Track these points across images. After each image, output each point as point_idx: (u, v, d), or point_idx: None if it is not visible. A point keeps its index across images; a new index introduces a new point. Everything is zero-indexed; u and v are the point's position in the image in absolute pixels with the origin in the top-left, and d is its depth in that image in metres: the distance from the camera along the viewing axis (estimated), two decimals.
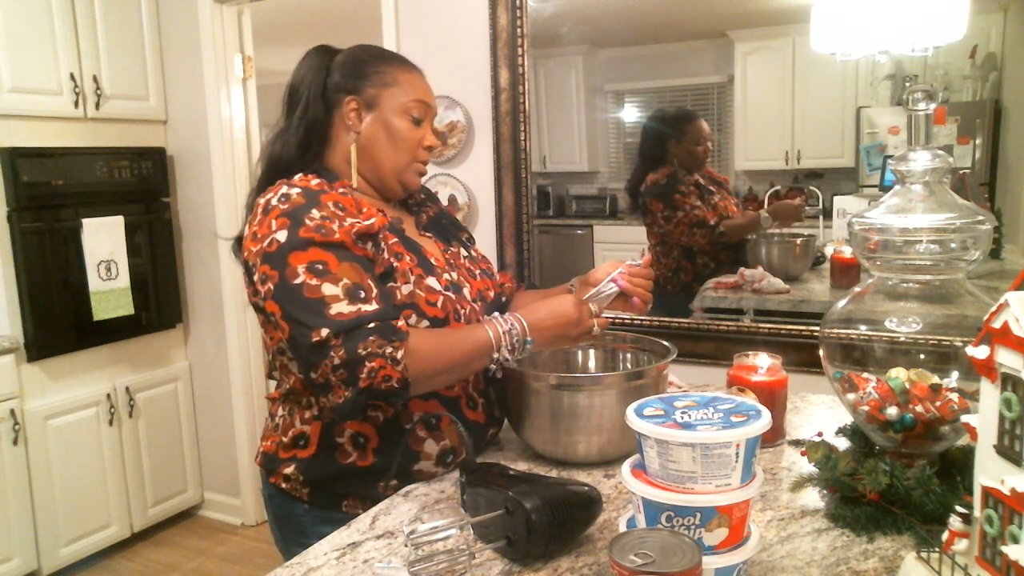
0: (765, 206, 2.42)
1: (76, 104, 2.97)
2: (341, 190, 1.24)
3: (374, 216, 1.21)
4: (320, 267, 1.12)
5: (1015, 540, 0.68)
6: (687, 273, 2.51)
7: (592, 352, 1.48)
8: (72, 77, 2.95)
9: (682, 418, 0.83)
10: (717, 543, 0.81)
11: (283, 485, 1.27)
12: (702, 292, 2.48)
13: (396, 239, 1.25)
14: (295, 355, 1.15)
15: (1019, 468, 0.69)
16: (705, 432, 0.79)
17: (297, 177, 1.23)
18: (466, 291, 1.30)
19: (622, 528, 0.91)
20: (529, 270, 2.66)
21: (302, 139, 1.28)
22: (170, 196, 3.36)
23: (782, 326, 2.26)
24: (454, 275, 1.30)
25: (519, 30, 2.53)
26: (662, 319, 2.46)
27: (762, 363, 1.30)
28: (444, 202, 2.80)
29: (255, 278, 1.16)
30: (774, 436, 1.30)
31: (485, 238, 2.72)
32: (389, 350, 1.08)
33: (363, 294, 1.12)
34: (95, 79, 3.03)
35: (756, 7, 2.39)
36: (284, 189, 1.19)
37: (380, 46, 1.38)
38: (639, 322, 2.48)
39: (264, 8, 3.28)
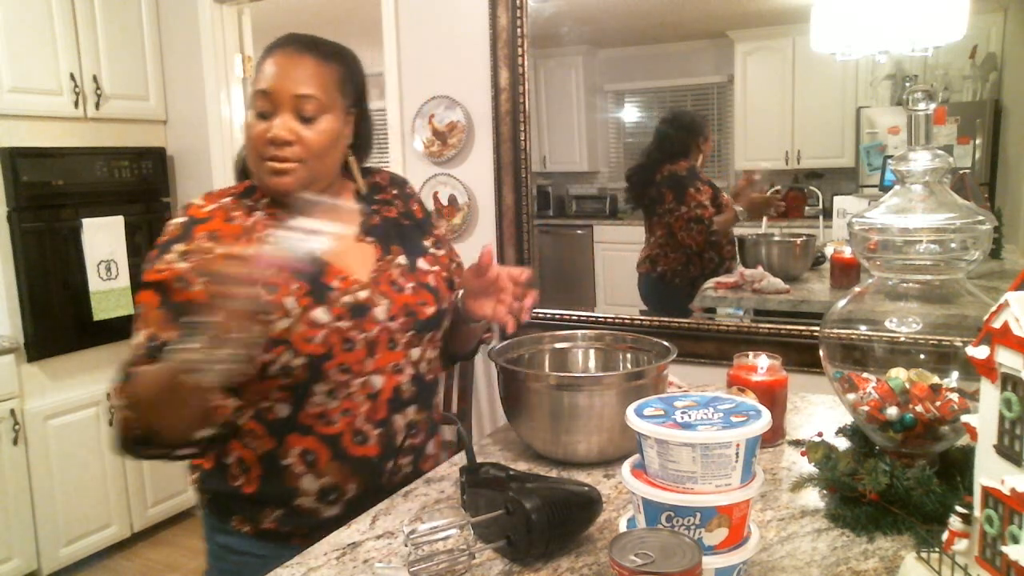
0: (737, 203, 2.49)
1: (76, 104, 2.97)
2: (234, 214, 1.19)
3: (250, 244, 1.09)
4: (141, 311, 1.11)
5: (1015, 540, 0.68)
6: (695, 267, 2.53)
7: (592, 352, 1.48)
8: (72, 77, 2.95)
9: (682, 418, 0.83)
10: (717, 543, 0.81)
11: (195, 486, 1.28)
12: (702, 292, 2.48)
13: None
14: None
15: (1019, 468, 0.69)
16: (705, 432, 0.79)
17: (216, 189, 1.23)
18: (379, 310, 1.18)
19: (622, 528, 0.91)
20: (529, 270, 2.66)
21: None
22: (170, 196, 3.36)
23: (782, 326, 2.26)
24: (363, 294, 1.18)
25: (519, 30, 2.53)
26: (662, 319, 2.47)
27: (762, 363, 1.30)
28: (444, 202, 2.82)
29: None
30: (774, 436, 1.30)
31: (485, 238, 2.72)
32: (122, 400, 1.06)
33: (158, 345, 1.06)
34: (95, 79, 3.03)
35: (756, 7, 2.39)
36: (177, 214, 1.19)
37: (290, 33, 1.22)
38: (639, 322, 2.49)
39: (264, 8, 3.28)
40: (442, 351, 1.34)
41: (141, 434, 1.05)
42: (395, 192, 1.36)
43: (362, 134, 1.29)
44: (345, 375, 1.15)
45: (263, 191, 1.22)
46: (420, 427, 1.26)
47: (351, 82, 1.23)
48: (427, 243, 1.33)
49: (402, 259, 1.26)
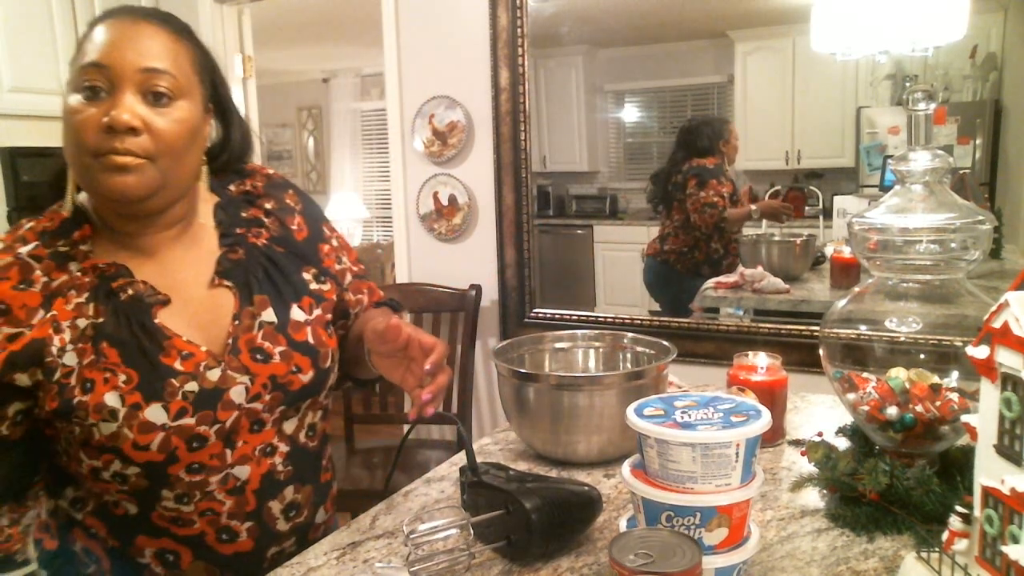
0: (755, 203, 2.52)
1: None
2: (35, 273, 0.91)
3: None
4: None
5: (1015, 540, 0.68)
6: (700, 253, 2.55)
7: (592, 352, 1.48)
8: None
9: (682, 418, 0.83)
10: (717, 543, 0.81)
11: None
12: (702, 292, 2.48)
13: (95, 355, 0.89)
14: None
15: (1019, 468, 0.69)
16: (705, 432, 0.79)
17: (22, 222, 0.97)
18: (236, 392, 0.95)
19: (622, 528, 0.91)
20: (529, 270, 2.66)
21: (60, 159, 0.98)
22: None
23: (782, 326, 2.26)
24: (213, 375, 0.94)
25: (519, 30, 2.53)
26: (662, 319, 2.47)
27: (762, 363, 1.30)
28: (444, 202, 2.82)
29: None
30: (774, 436, 1.29)
31: (485, 238, 2.73)
32: None
33: None
34: None
35: (756, 7, 2.39)
36: None
37: (121, 5, 0.96)
38: (639, 322, 2.49)
39: (264, 8, 3.28)
40: (344, 376, 1.16)
41: None
42: (270, 206, 1.08)
43: (229, 141, 1.04)
44: (198, 475, 0.94)
45: (97, 203, 0.94)
46: (303, 504, 1.06)
47: (208, 69, 0.97)
48: (307, 276, 1.06)
49: (268, 314, 1.00)
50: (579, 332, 1.49)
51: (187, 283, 0.98)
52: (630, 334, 1.45)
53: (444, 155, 2.75)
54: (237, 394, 0.96)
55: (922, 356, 1.08)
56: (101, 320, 0.91)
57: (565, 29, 2.61)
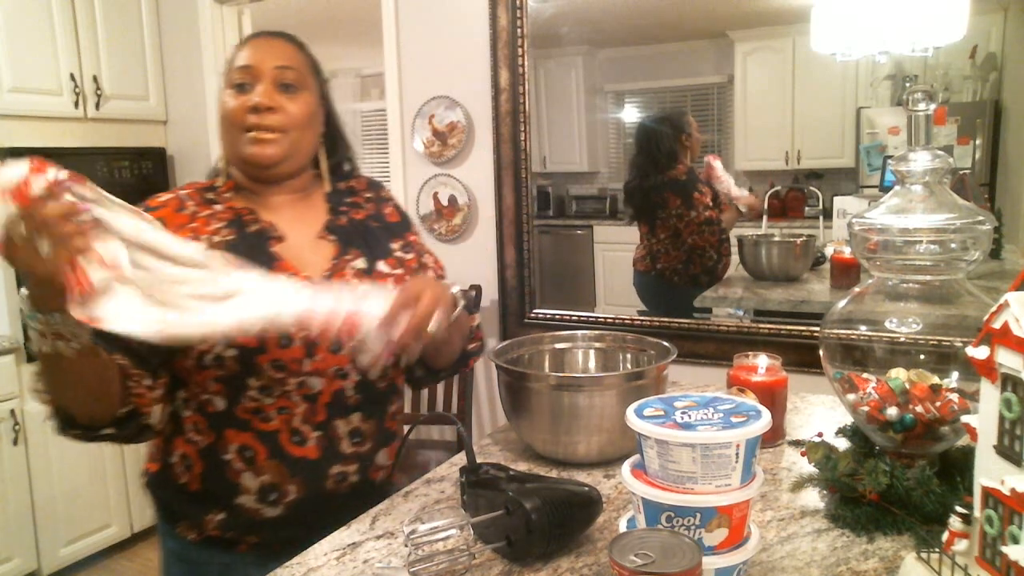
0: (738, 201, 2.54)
1: (76, 104, 2.97)
2: (187, 204, 1.17)
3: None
4: None
5: (1015, 540, 0.68)
6: (695, 265, 2.55)
7: (592, 352, 1.48)
8: (72, 77, 2.95)
9: (682, 418, 0.83)
10: (717, 543, 0.81)
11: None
12: (701, 294, 2.48)
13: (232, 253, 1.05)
14: None
15: (1019, 468, 0.69)
16: (705, 432, 0.79)
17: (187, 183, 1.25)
18: None
19: (622, 528, 0.91)
20: (529, 270, 2.66)
21: None
22: None
23: (782, 326, 2.26)
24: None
25: (519, 30, 2.53)
26: (662, 319, 2.47)
27: (762, 363, 1.30)
28: (444, 202, 2.82)
29: None
30: (774, 436, 1.30)
31: (485, 238, 2.73)
32: None
33: None
34: (95, 79, 3.03)
35: (756, 7, 2.39)
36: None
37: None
38: (639, 322, 2.49)
39: (264, 8, 3.28)
40: (415, 363, 1.27)
41: (57, 415, 1.04)
42: (369, 195, 1.33)
43: (331, 132, 1.28)
44: (280, 372, 1.11)
45: (241, 168, 1.20)
46: (367, 436, 1.20)
47: (318, 73, 1.25)
48: (394, 246, 1.27)
49: (360, 262, 1.21)
50: (579, 332, 1.49)
51: (300, 232, 1.20)
52: (630, 334, 1.45)
53: (444, 155, 2.75)
54: None
55: (922, 357, 1.08)
56: (231, 238, 1.15)
57: (565, 29, 2.61)
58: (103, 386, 1.03)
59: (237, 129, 1.15)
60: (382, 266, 1.22)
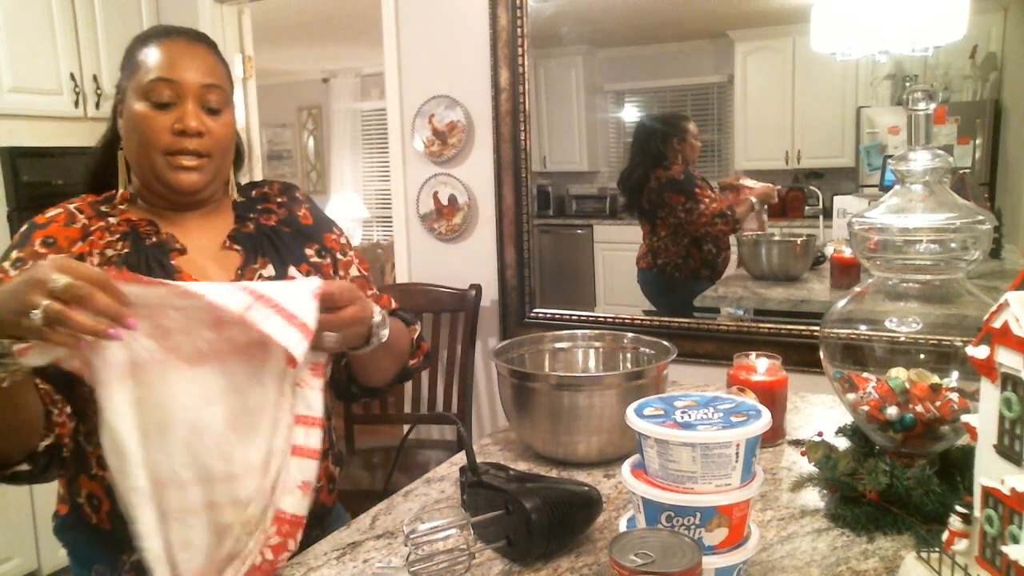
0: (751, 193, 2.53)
1: (76, 104, 2.97)
2: (78, 217, 1.09)
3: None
4: None
5: (1015, 540, 0.68)
6: (695, 260, 2.55)
7: (592, 352, 1.48)
8: (72, 77, 2.95)
9: (682, 418, 0.83)
10: (717, 543, 0.81)
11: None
12: (702, 293, 2.48)
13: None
14: None
15: (1019, 468, 0.69)
16: (705, 432, 0.79)
17: (73, 199, 1.14)
18: None
19: (622, 528, 0.91)
20: (529, 270, 2.66)
21: (97, 153, 1.20)
22: None
23: (782, 326, 2.26)
24: None
25: (519, 30, 2.53)
26: (662, 319, 2.47)
27: (762, 363, 1.30)
28: (444, 202, 2.82)
29: None
30: (774, 436, 1.30)
31: (485, 238, 2.72)
32: None
33: None
34: (95, 79, 3.03)
35: (756, 7, 2.39)
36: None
37: (163, 25, 1.15)
38: (639, 322, 2.49)
39: (264, 8, 3.28)
40: (343, 379, 1.23)
41: None
42: (281, 200, 1.26)
43: (237, 140, 1.22)
44: None
45: (157, 191, 1.12)
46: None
47: (231, 80, 1.18)
48: (309, 251, 1.21)
49: (268, 270, 1.14)
50: (579, 332, 1.49)
51: (203, 244, 1.14)
52: (630, 334, 1.45)
53: (444, 155, 2.75)
54: None
55: (922, 356, 1.08)
56: (126, 252, 1.07)
57: (565, 29, 2.61)
58: (30, 417, 0.94)
59: (156, 151, 1.07)
60: (294, 273, 1.17)
